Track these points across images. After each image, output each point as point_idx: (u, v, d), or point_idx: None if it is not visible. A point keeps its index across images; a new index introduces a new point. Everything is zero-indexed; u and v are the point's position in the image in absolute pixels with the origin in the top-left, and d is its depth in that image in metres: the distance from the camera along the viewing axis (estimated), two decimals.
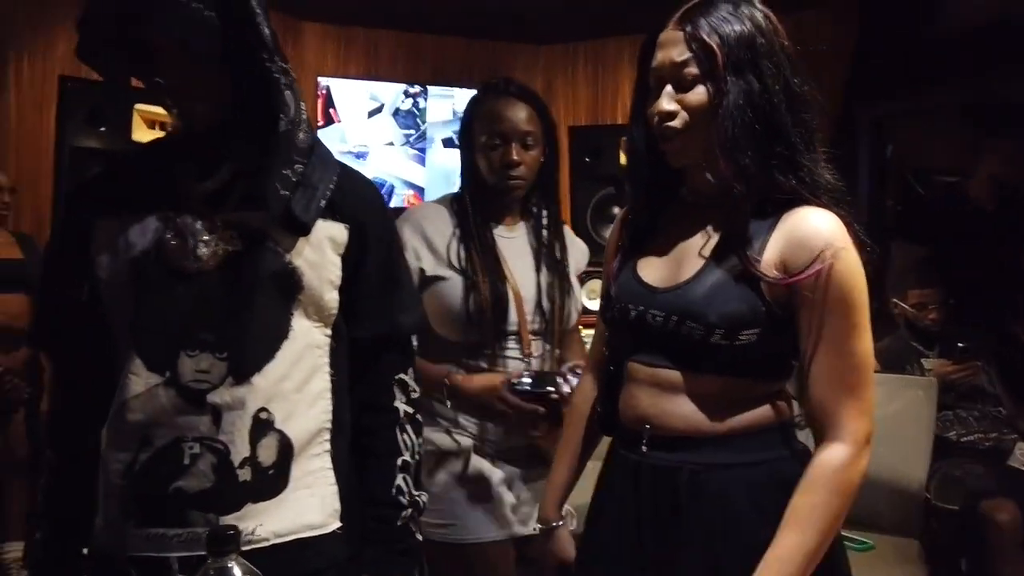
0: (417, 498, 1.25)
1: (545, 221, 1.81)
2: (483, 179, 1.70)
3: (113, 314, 1.13)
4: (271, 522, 1.11)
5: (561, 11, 4.15)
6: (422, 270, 1.68)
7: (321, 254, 1.17)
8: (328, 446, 1.19)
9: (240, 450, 1.10)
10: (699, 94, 1.07)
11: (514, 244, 1.76)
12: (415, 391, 1.29)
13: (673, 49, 1.08)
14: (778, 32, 1.10)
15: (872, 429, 1.07)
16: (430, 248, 1.68)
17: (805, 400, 1.10)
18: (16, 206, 3.24)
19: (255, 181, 1.11)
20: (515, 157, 1.66)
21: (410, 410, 1.27)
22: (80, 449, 1.15)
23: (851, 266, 1.05)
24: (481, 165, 1.70)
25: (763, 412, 1.12)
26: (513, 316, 1.68)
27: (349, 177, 1.23)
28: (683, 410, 1.11)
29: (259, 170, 1.11)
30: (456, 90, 4.38)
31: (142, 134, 3.48)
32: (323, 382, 1.19)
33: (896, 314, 3.20)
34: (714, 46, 1.05)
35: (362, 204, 1.23)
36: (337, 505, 1.18)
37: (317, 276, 1.16)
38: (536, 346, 1.72)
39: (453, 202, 1.75)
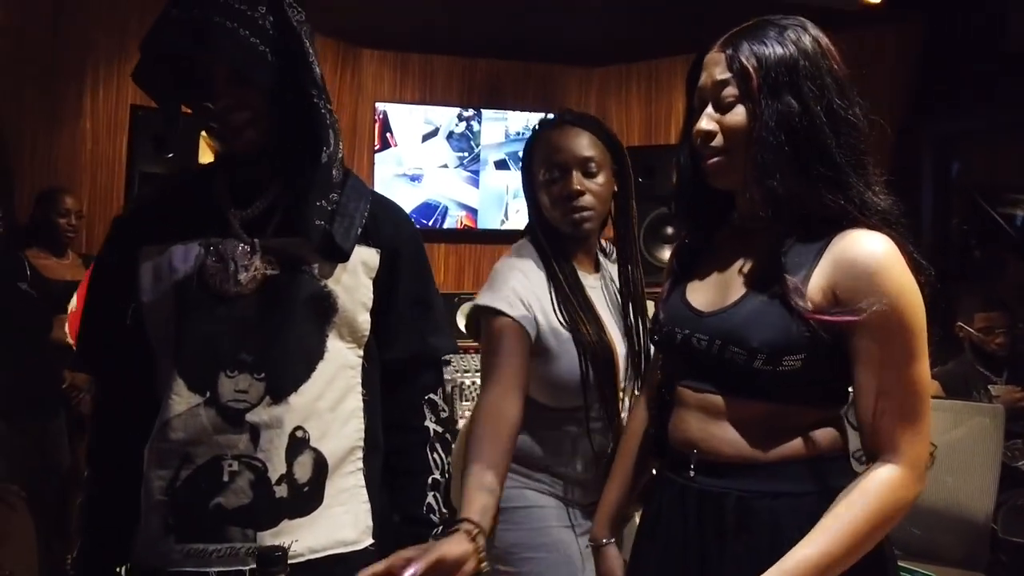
0: (447, 515, 1.27)
1: (617, 258, 1.64)
2: (549, 219, 1.56)
3: (156, 336, 1.18)
4: (306, 538, 1.14)
5: (613, 34, 4.17)
6: (532, 318, 1.48)
7: (355, 278, 1.21)
8: (361, 464, 1.22)
9: (277, 467, 1.13)
10: (737, 115, 1.08)
11: (595, 292, 1.59)
12: (444, 411, 1.32)
13: (715, 70, 1.10)
14: (827, 55, 1.08)
15: (927, 456, 1.04)
16: (542, 311, 1.50)
17: (860, 427, 1.07)
18: (86, 228, 3.39)
19: (295, 209, 1.16)
20: (576, 186, 1.51)
21: (440, 429, 1.30)
22: (120, 466, 1.19)
23: (904, 290, 1.02)
24: (544, 202, 1.55)
25: (815, 440, 1.09)
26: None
27: (381, 205, 1.28)
28: (730, 436, 1.10)
29: (297, 199, 1.16)
30: (509, 113, 4.43)
31: (208, 158, 3.62)
32: (356, 402, 1.23)
33: (961, 337, 3.10)
34: (751, 68, 1.06)
35: (394, 230, 1.28)
36: (370, 522, 1.21)
37: (351, 299, 1.21)
38: (627, 405, 1.56)
39: (534, 252, 1.57)
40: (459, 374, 3.27)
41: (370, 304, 1.23)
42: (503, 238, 4.58)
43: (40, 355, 2.62)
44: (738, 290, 1.11)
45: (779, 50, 1.06)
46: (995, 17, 3.40)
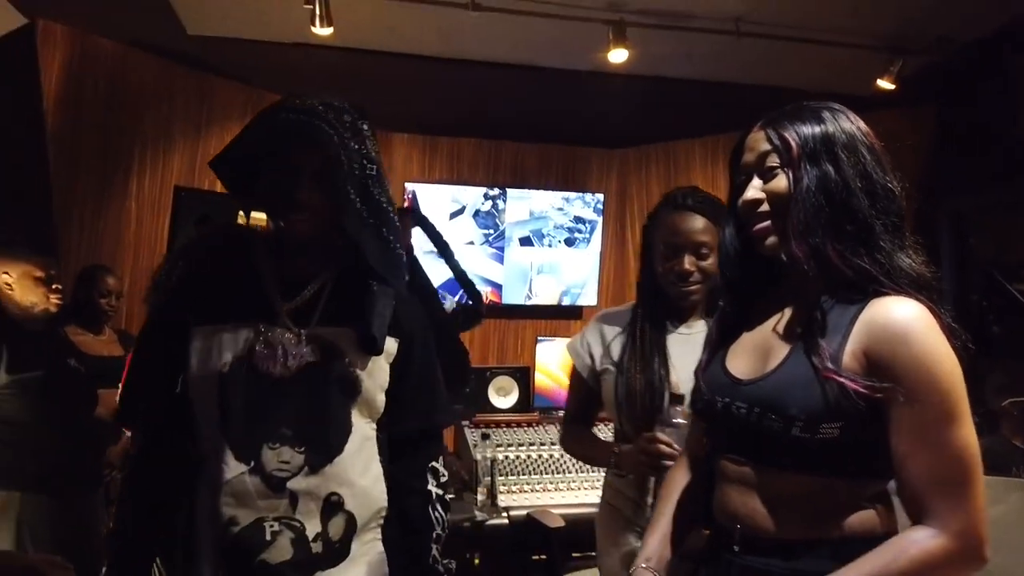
0: (448, 565, 1.46)
1: None
2: (659, 285, 1.80)
3: (201, 406, 1.31)
4: None
5: (633, 118, 4.34)
6: (590, 366, 1.87)
7: (377, 364, 1.38)
8: (382, 522, 1.38)
9: (313, 527, 1.28)
10: (780, 182, 1.14)
11: (691, 340, 1.77)
12: (444, 475, 1.49)
13: (757, 145, 1.18)
14: (861, 130, 1.15)
15: (983, 529, 1.00)
16: (603, 345, 1.86)
17: (902, 498, 1.05)
18: (125, 306, 3.51)
19: (365, 323, 1.35)
20: (687, 267, 1.74)
21: (440, 492, 1.47)
22: (150, 514, 1.33)
23: (937, 353, 1.02)
24: (658, 269, 1.80)
25: (861, 518, 1.08)
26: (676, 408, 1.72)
27: (401, 298, 1.44)
28: (773, 511, 1.09)
29: (365, 311, 1.35)
30: (533, 192, 4.58)
31: None
32: (378, 468, 1.39)
33: (997, 412, 3.08)
34: (791, 139, 1.13)
35: (410, 320, 1.45)
36: (386, 570, 1.37)
37: (373, 382, 1.37)
38: None
39: (630, 306, 1.90)
40: (499, 448, 3.27)
41: (387, 386, 1.39)
42: (527, 313, 4.67)
43: (86, 430, 2.69)
44: (776, 358, 1.13)
45: (817, 126, 1.13)
46: (1008, 103, 3.51)
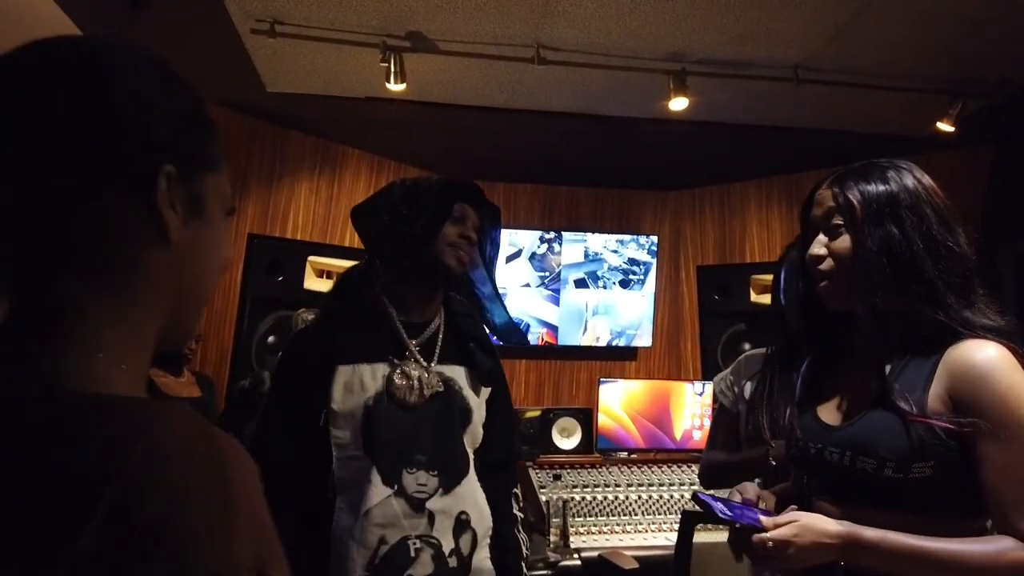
0: None
1: None
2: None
3: (346, 436, 1.47)
4: None
5: (687, 161, 4.42)
6: (727, 404, 2.07)
7: (480, 398, 1.59)
8: (490, 540, 1.56)
9: (448, 543, 1.46)
10: (844, 241, 1.20)
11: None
12: (521, 500, 1.69)
13: (825, 203, 1.24)
14: (928, 191, 1.20)
15: None
16: (738, 384, 2.05)
17: (995, 528, 1.08)
18: (203, 349, 3.65)
19: (480, 361, 1.60)
20: None
21: (521, 515, 1.66)
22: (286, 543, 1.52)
23: (1022, 387, 1.06)
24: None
25: None
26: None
27: (488, 340, 1.69)
28: None
29: (479, 349, 1.58)
30: (588, 235, 4.66)
31: (312, 282, 3.91)
32: (482, 491, 1.58)
33: None
34: (855, 201, 1.19)
35: (495, 362, 1.67)
36: None
37: (478, 414, 1.58)
38: None
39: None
40: (567, 490, 3.29)
41: (483, 419, 1.61)
42: (582, 354, 4.71)
43: None
44: (864, 403, 1.19)
45: (881, 186, 1.19)
46: None
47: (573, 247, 4.66)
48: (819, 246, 1.23)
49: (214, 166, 0.65)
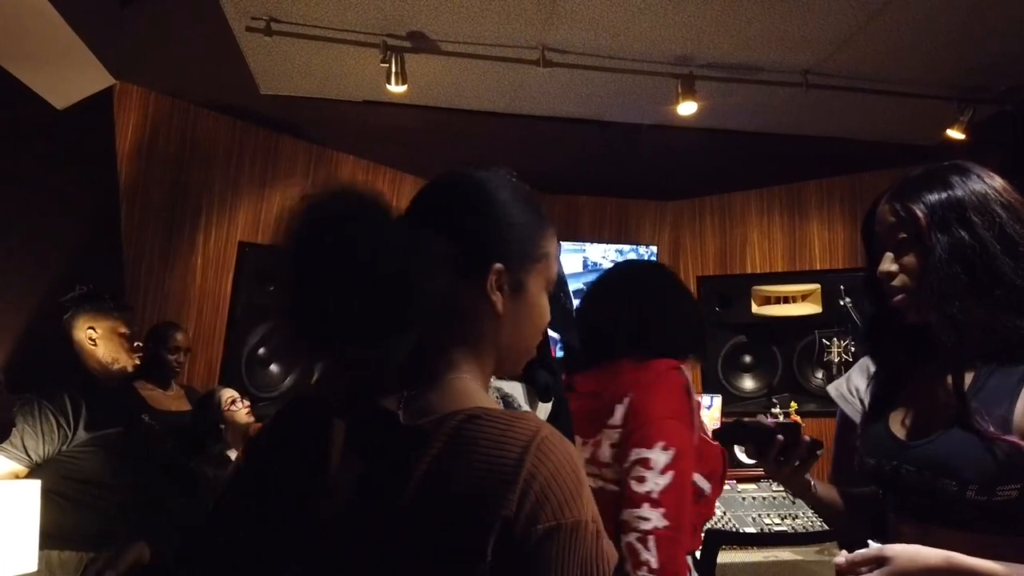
0: None
1: None
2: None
3: None
4: None
5: (687, 170, 4.35)
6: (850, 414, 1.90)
7: (539, 414, 1.55)
8: None
9: None
10: (912, 255, 1.13)
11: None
12: None
13: (886, 219, 1.17)
14: (994, 188, 1.12)
15: None
16: (850, 392, 1.89)
17: None
18: (191, 362, 3.50)
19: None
20: None
21: None
22: None
23: None
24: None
25: None
26: None
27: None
28: None
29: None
30: (587, 244, 4.57)
31: None
32: None
33: None
34: (917, 211, 1.12)
35: (557, 378, 1.65)
36: None
37: None
38: None
39: None
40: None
41: None
42: None
43: (157, 486, 2.66)
44: (942, 420, 1.11)
45: (944, 192, 1.11)
46: None
47: (572, 257, 4.57)
48: (888, 262, 1.16)
49: (539, 259, 0.90)
